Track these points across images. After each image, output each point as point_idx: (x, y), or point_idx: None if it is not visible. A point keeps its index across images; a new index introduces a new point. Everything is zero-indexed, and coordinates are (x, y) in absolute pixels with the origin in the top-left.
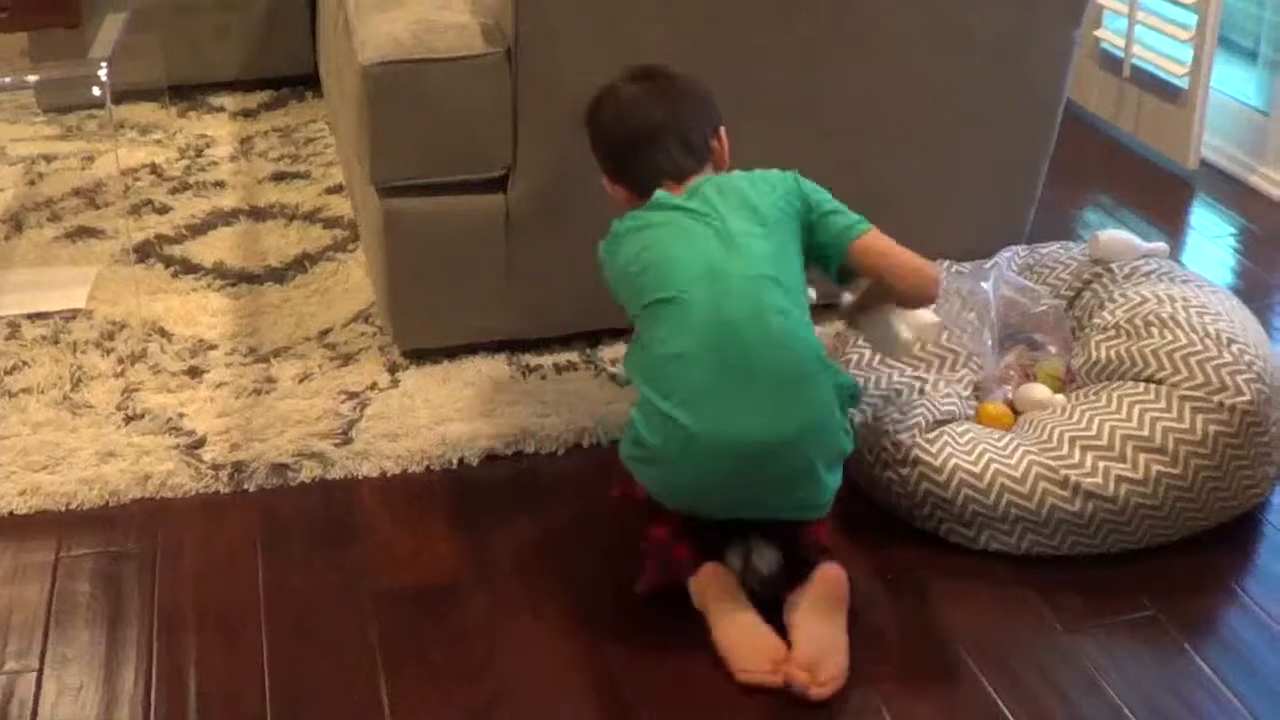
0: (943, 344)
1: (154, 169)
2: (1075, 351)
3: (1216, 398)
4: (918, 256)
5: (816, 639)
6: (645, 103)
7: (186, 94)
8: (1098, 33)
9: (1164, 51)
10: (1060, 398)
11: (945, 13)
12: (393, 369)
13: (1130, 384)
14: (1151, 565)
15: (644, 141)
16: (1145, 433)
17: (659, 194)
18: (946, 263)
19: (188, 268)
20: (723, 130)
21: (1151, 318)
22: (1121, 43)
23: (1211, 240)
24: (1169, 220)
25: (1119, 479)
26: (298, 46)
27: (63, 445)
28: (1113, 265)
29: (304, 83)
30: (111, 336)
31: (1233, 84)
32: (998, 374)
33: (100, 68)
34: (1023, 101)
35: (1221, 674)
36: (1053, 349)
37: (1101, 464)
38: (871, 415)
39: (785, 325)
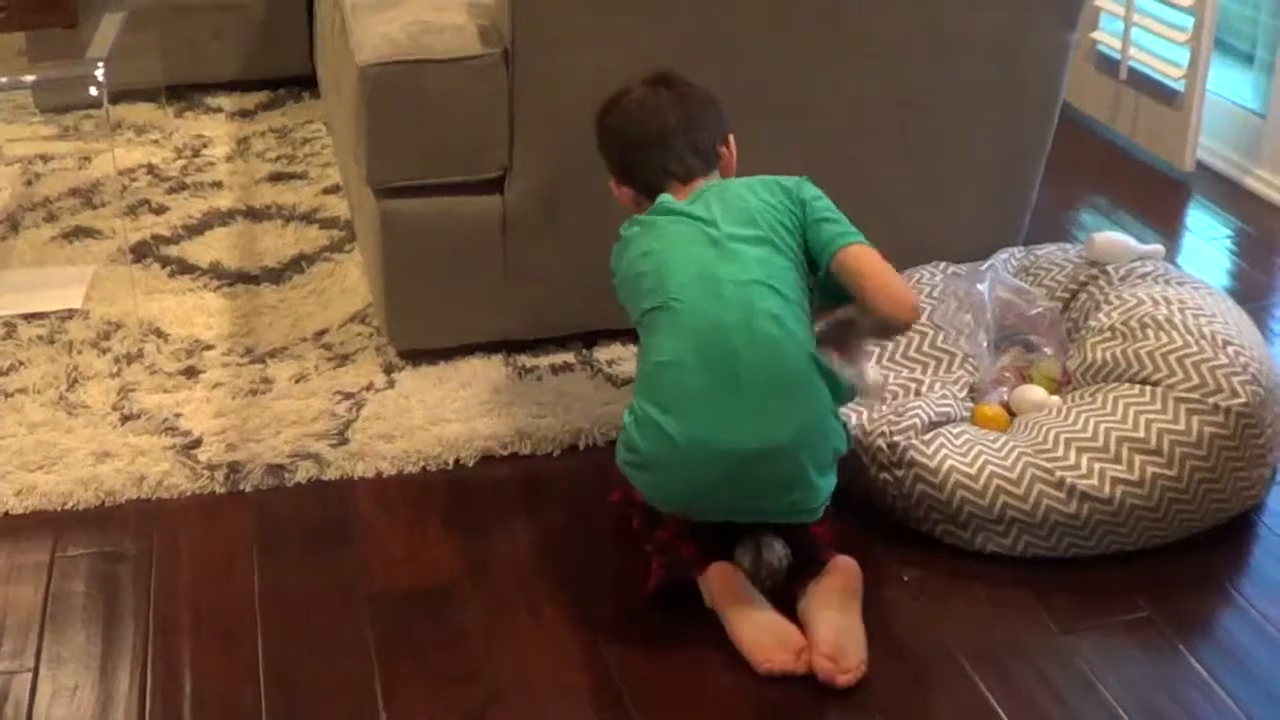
0: (939, 345)
1: (151, 169)
2: (1071, 353)
3: (1212, 400)
4: (904, 283)
5: (837, 628)
6: (658, 106)
7: (183, 94)
8: (1094, 35)
9: (1160, 54)
10: (1056, 399)
11: (942, 15)
12: (389, 370)
13: (1126, 386)
14: (1147, 566)
15: (654, 143)
16: (1140, 434)
17: (663, 198)
18: (943, 264)
19: (184, 268)
20: (731, 138)
21: (1147, 320)
22: (1118, 45)
23: (1207, 242)
24: (1165, 222)
25: (1114, 481)
26: (295, 47)
27: (59, 445)
28: (1109, 267)
29: (301, 83)
30: (108, 337)
31: (1229, 86)
32: (993, 376)
33: (97, 68)
34: (1019, 104)
35: (1216, 675)
36: (1048, 351)
37: (1097, 466)
38: (866, 417)
39: (777, 330)
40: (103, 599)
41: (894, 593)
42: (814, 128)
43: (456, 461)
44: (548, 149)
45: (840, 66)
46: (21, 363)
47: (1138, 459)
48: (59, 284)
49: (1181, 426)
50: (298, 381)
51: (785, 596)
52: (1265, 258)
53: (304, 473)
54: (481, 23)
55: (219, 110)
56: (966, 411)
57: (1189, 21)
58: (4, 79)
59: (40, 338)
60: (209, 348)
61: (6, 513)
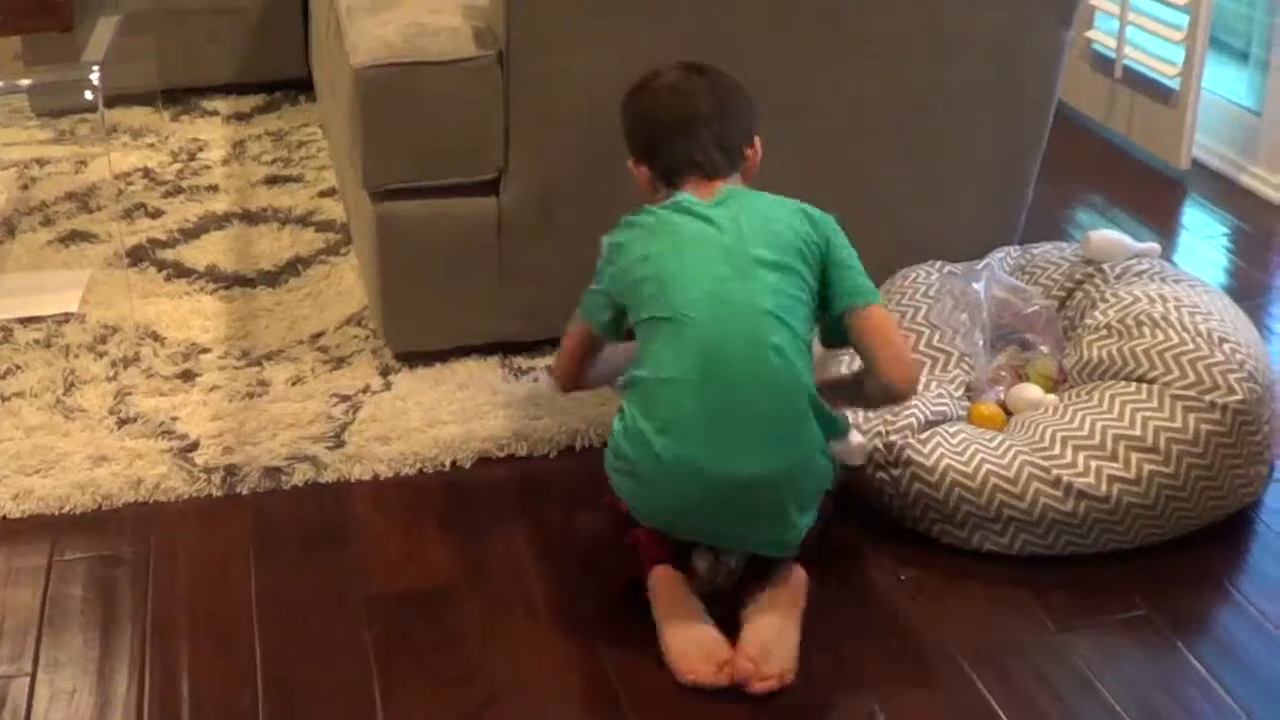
0: (935, 344)
1: (147, 173)
2: (1067, 351)
3: (1208, 397)
4: (910, 351)
5: (769, 634)
6: (693, 91)
7: (179, 98)
8: (1089, 34)
9: (1155, 52)
10: (1052, 398)
11: (937, 15)
12: (385, 372)
13: (1122, 384)
14: (1144, 564)
15: (682, 127)
16: (1137, 432)
17: (684, 197)
18: (939, 263)
19: (180, 271)
20: (758, 140)
21: (1143, 317)
22: (1113, 44)
23: (1203, 240)
24: (1161, 220)
25: (1111, 479)
26: (290, 50)
27: (55, 449)
28: (1105, 265)
29: (297, 86)
30: (104, 340)
31: (1224, 84)
32: (990, 374)
33: (93, 72)
34: (1014, 102)
35: (1214, 672)
36: (1045, 349)
37: (1094, 464)
38: (863, 416)
39: (781, 366)
40: (100, 603)
41: (891, 592)
42: (813, 128)
43: (453, 463)
44: (543, 151)
45: (839, 66)
46: (18, 367)
47: (1135, 457)
48: (55, 288)
49: (1178, 424)
50: (294, 384)
51: (732, 604)
52: (1261, 255)
53: (301, 475)
54: (476, 25)
55: (215, 114)
56: (963, 410)
57: (1184, 20)
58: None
59: (37, 342)
60: (205, 351)
61: (4, 517)
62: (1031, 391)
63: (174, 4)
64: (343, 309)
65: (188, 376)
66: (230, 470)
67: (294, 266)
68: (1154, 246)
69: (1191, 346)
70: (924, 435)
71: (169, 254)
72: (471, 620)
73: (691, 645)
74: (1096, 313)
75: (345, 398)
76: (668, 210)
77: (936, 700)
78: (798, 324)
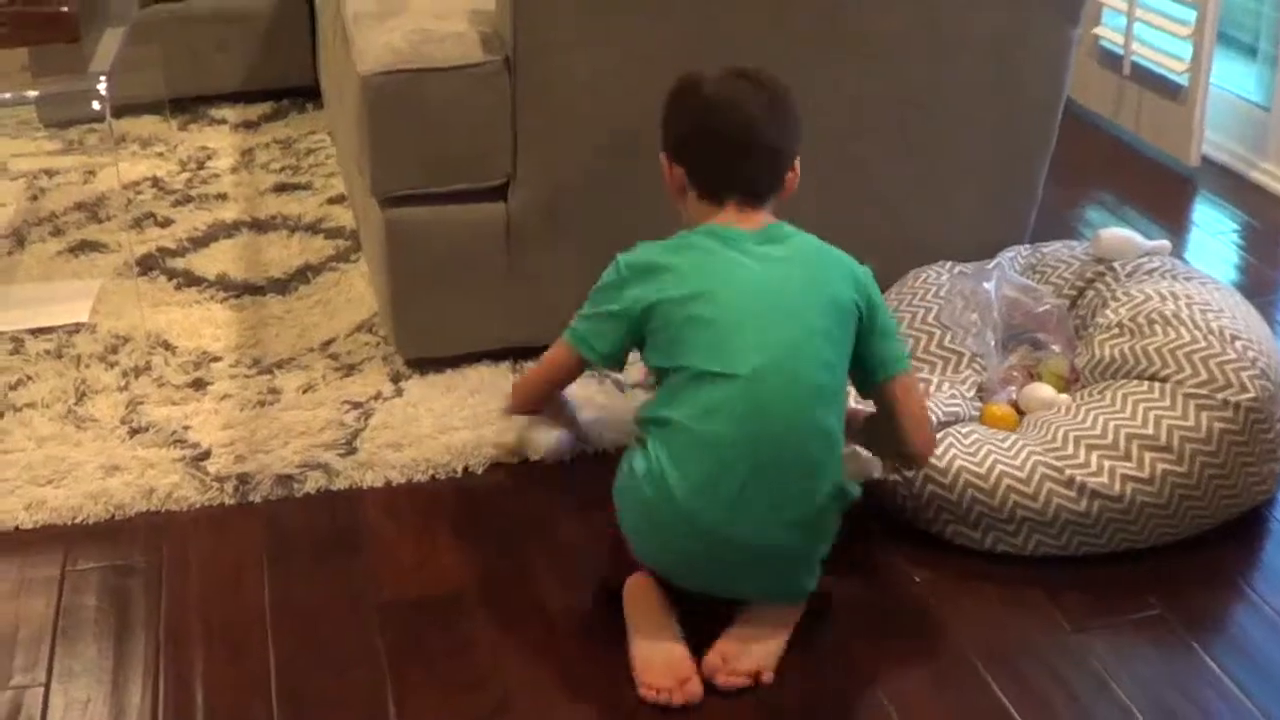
0: (946, 345)
1: (156, 182)
2: (1079, 351)
3: (1221, 395)
4: (932, 423)
5: (746, 633)
6: (756, 110)
7: (187, 106)
8: (1097, 30)
9: (1163, 48)
10: (1065, 397)
11: (943, 12)
12: (396, 378)
13: (1135, 382)
14: (1158, 564)
15: (740, 145)
16: (1150, 431)
17: (731, 230)
18: (949, 264)
19: (190, 280)
20: (798, 162)
21: (1155, 316)
22: (1121, 40)
23: (1214, 237)
24: (1171, 217)
25: (1125, 478)
26: (298, 57)
27: (67, 459)
28: (1115, 264)
29: (305, 94)
30: (115, 350)
31: (1233, 80)
32: (1002, 375)
33: (100, 82)
34: (1022, 100)
35: (1229, 671)
36: (1056, 348)
37: (1107, 463)
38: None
39: (820, 452)
40: (113, 612)
41: (905, 594)
42: (814, 126)
43: (465, 469)
44: (551, 156)
45: (839, 65)
46: (30, 377)
47: (1148, 456)
48: (66, 298)
49: (1191, 422)
50: (305, 392)
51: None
52: (1272, 251)
53: (313, 483)
54: (483, 30)
55: (223, 122)
56: (975, 411)
57: (1191, 15)
58: (7, 94)
59: (48, 352)
60: (216, 359)
61: (17, 527)
62: (1044, 391)
63: (181, 13)
64: (353, 316)
65: (199, 385)
66: (242, 479)
67: (304, 274)
68: (1164, 244)
69: (1204, 344)
70: (937, 436)
71: (179, 263)
72: (484, 627)
73: (657, 656)
74: (1108, 311)
75: (357, 405)
76: (714, 242)
77: (951, 701)
78: (841, 394)
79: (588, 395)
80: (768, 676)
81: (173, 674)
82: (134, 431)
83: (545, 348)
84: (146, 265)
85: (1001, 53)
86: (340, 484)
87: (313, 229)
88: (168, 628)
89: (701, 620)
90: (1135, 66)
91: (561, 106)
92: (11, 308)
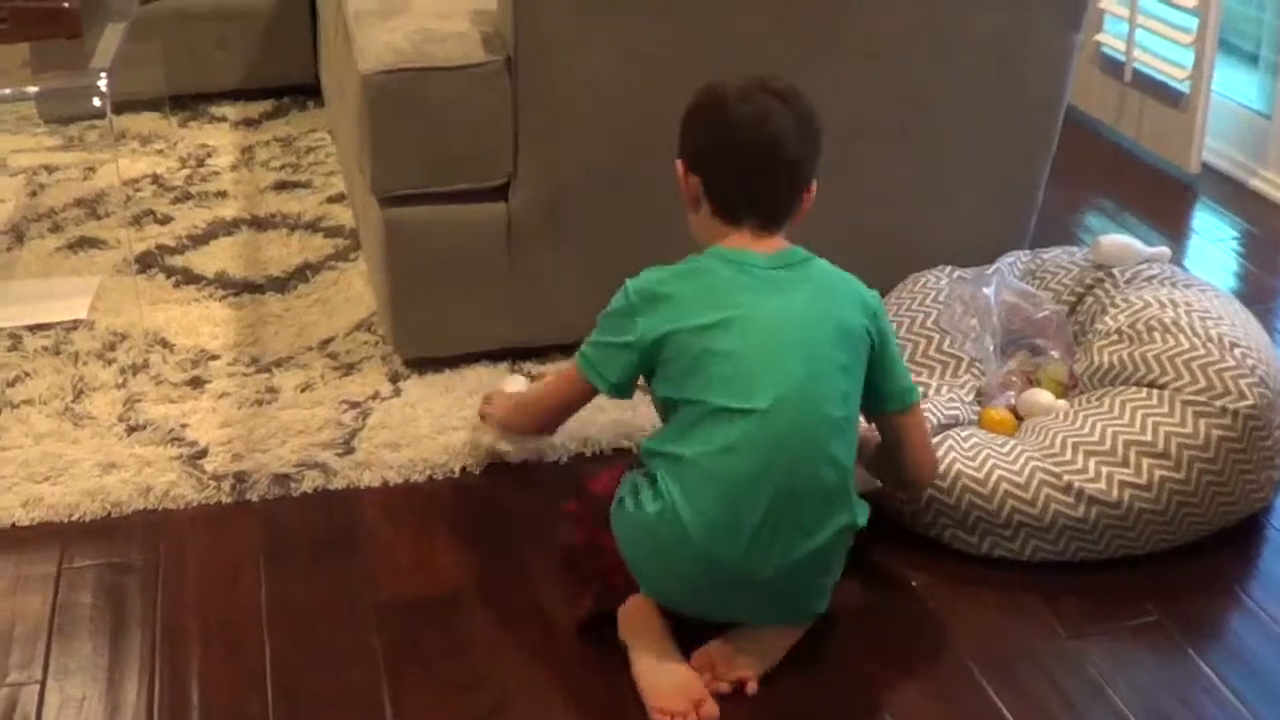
0: (945, 350)
1: (155, 179)
2: (1078, 357)
3: (1219, 402)
4: (934, 452)
5: (742, 640)
6: (785, 131)
7: (187, 104)
8: (1098, 37)
9: (1165, 55)
10: (1063, 403)
11: (944, 16)
12: (394, 378)
13: (1133, 389)
14: (1155, 570)
15: (762, 169)
16: (1148, 438)
17: (747, 255)
18: (948, 269)
19: (189, 278)
20: (815, 183)
21: (1154, 322)
22: (1122, 47)
23: (1214, 244)
24: (1171, 224)
25: (1122, 484)
26: (299, 55)
27: (65, 457)
28: (1115, 270)
29: (305, 91)
30: (113, 347)
31: (1234, 87)
32: (1000, 380)
33: (100, 78)
34: (1023, 106)
35: (1225, 678)
36: (1055, 354)
37: (1105, 469)
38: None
39: (834, 484)
40: (110, 610)
41: (902, 599)
42: None
43: (463, 470)
44: (552, 156)
45: (841, 65)
46: (27, 374)
47: (1145, 462)
48: (64, 295)
49: (1189, 430)
50: (303, 391)
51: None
52: (1272, 259)
53: (310, 482)
54: (485, 30)
55: (223, 119)
56: (974, 416)
57: (1193, 23)
58: (8, 90)
59: (46, 349)
60: (214, 358)
61: (13, 524)
62: (1042, 397)
63: (182, 9)
64: (352, 315)
65: (197, 383)
66: (239, 477)
67: (303, 272)
68: (1164, 251)
69: (1202, 351)
70: (935, 441)
71: (178, 260)
72: (481, 627)
73: (665, 679)
74: (1107, 318)
75: (355, 404)
76: (726, 268)
77: (947, 707)
78: (853, 423)
79: None
80: (752, 687)
81: (169, 672)
82: (131, 429)
83: (545, 349)
84: (145, 262)
85: (1003, 56)
86: (338, 483)
87: (312, 227)
88: (164, 626)
89: (696, 624)
90: (1137, 73)
91: (563, 106)
92: (10, 304)
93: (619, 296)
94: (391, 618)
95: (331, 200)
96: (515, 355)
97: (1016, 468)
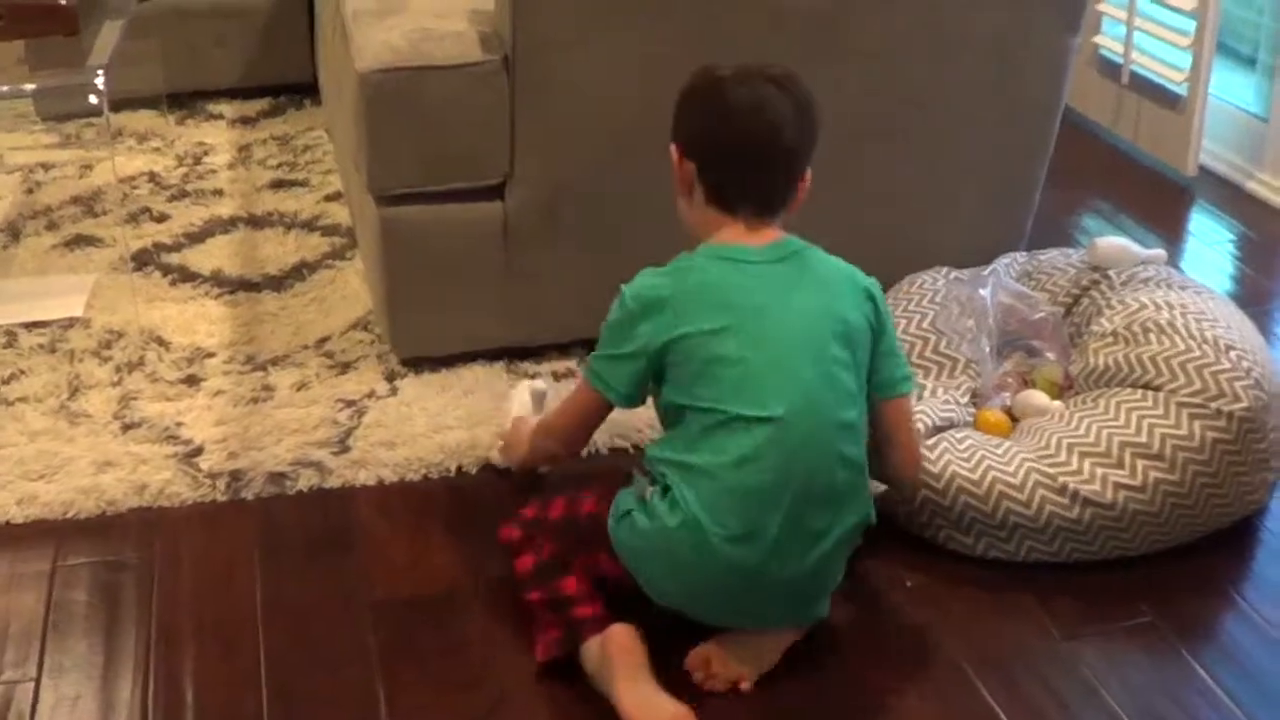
0: (941, 351)
1: (152, 177)
2: (1073, 358)
3: (1214, 404)
4: (920, 444)
5: (739, 644)
6: (783, 119)
7: (185, 101)
8: (1096, 39)
9: (1163, 58)
10: (1058, 404)
11: (942, 17)
12: (390, 377)
13: (1128, 391)
14: (1149, 572)
15: (759, 157)
16: (1143, 439)
17: (738, 249)
18: (945, 269)
19: (186, 276)
20: (809, 172)
21: (1150, 324)
22: (1120, 49)
23: (1210, 246)
24: (1168, 227)
25: (1117, 485)
26: (297, 54)
27: (60, 454)
28: (1111, 272)
29: (303, 90)
30: (109, 345)
31: (1231, 90)
32: (996, 381)
33: (98, 76)
34: (1021, 107)
35: (1219, 680)
36: (1051, 356)
37: (1099, 471)
38: None
39: (849, 483)
40: (104, 608)
41: (897, 599)
42: None
43: (458, 469)
44: (549, 156)
45: (840, 65)
46: (23, 371)
47: (1140, 464)
48: (60, 292)
49: (1184, 431)
50: (299, 389)
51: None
52: (1268, 262)
53: (305, 481)
54: (482, 29)
55: (220, 117)
56: (969, 417)
57: (1191, 25)
58: (5, 87)
59: (41, 346)
60: (210, 356)
61: (8, 522)
62: (1038, 398)
63: (180, 7)
64: (348, 314)
65: (192, 381)
66: (235, 475)
67: (299, 271)
68: (1160, 253)
69: (1198, 354)
70: (930, 442)
71: (174, 258)
72: (476, 626)
73: (654, 712)
74: (1103, 319)
75: (350, 403)
76: (723, 266)
77: (941, 707)
78: (863, 420)
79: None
80: (746, 686)
81: (163, 670)
82: (127, 427)
83: (541, 348)
84: (142, 260)
85: (1001, 57)
86: (333, 482)
87: (309, 226)
88: (159, 624)
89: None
90: (1134, 76)
91: (560, 106)
92: (5, 301)
93: (617, 306)
94: (387, 616)
95: (328, 199)
96: (511, 355)
97: (1011, 469)
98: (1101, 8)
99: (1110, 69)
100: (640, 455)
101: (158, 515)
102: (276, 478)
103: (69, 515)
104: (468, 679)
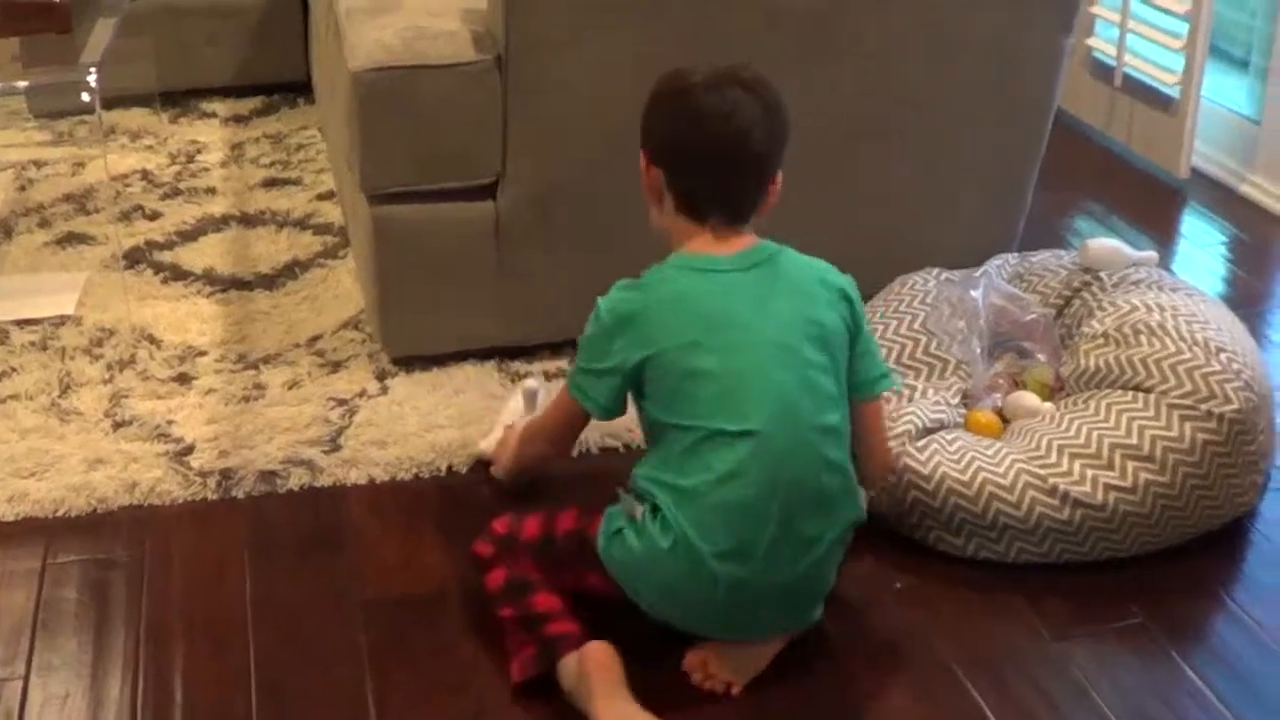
0: (932, 352)
1: (145, 175)
2: (1064, 360)
3: (1205, 406)
4: (889, 444)
5: (734, 647)
6: (751, 123)
7: (178, 99)
8: (1089, 41)
9: (1155, 60)
10: (1049, 406)
11: (935, 19)
12: (382, 376)
13: (1119, 392)
14: (1140, 573)
15: (730, 159)
16: (1134, 441)
17: (709, 259)
18: (936, 270)
19: (178, 274)
20: (780, 175)
21: (1141, 326)
22: (1113, 51)
23: (1202, 249)
24: (1160, 229)
25: (1107, 487)
26: (290, 52)
27: (50, 452)
28: (1102, 274)
29: (296, 89)
30: (100, 343)
31: (1224, 93)
32: (987, 382)
33: (90, 73)
34: (1014, 109)
35: (1209, 681)
36: (1042, 357)
37: (1090, 472)
38: None
39: (837, 486)
40: (94, 606)
41: (886, 600)
42: (806, 131)
43: (449, 468)
44: (541, 155)
45: (836, 65)
46: (14, 369)
47: (1131, 465)
48: (52, 290)
49: (1174, 433)
50: (291, 388)
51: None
52: (1259, 264)
53: (296, 479)
54: (475, 29)
55: (213, 116)
56: (960, 418)
57: (1184, 28)
58: None
59: (33, 344)
60: (202, 354)
61: None
62: (1028, 399)
63: (173, 5)
64: (340, 313)
65: (184, 379)
66: (226, 474)
67: (291, 270)
68: (1152, 255)
69: (1189, 355)
70: (921, 443)
71: (166, 256)
72: (467, 626)
73: None
74: (1094, 321)
75: (342, 402)
76: (694, 277)
77: (931, 708)
78: (846, 422)
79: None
80: (738, 689)
81: (153, 669)
82: (118, 425)
83: (533, 348)
84: (133, 258)
85: (995, 58)
86: (324, 481)
87: (301, 225)
88: (149, 622)
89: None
90: (1127, 78)
91: (552, 105)
92: None
93: (592, 320)
94: (378, 615)
95: (321, 197)
96: (503, 354)
97: (1002, 470)
98: (1095, 10)
99: (1103, 71)
100: (629, 457)
101: (148, 513)
102: (267, 476)
103: (59, 513)
104: (458, 679)
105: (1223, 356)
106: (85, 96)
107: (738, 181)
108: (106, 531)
